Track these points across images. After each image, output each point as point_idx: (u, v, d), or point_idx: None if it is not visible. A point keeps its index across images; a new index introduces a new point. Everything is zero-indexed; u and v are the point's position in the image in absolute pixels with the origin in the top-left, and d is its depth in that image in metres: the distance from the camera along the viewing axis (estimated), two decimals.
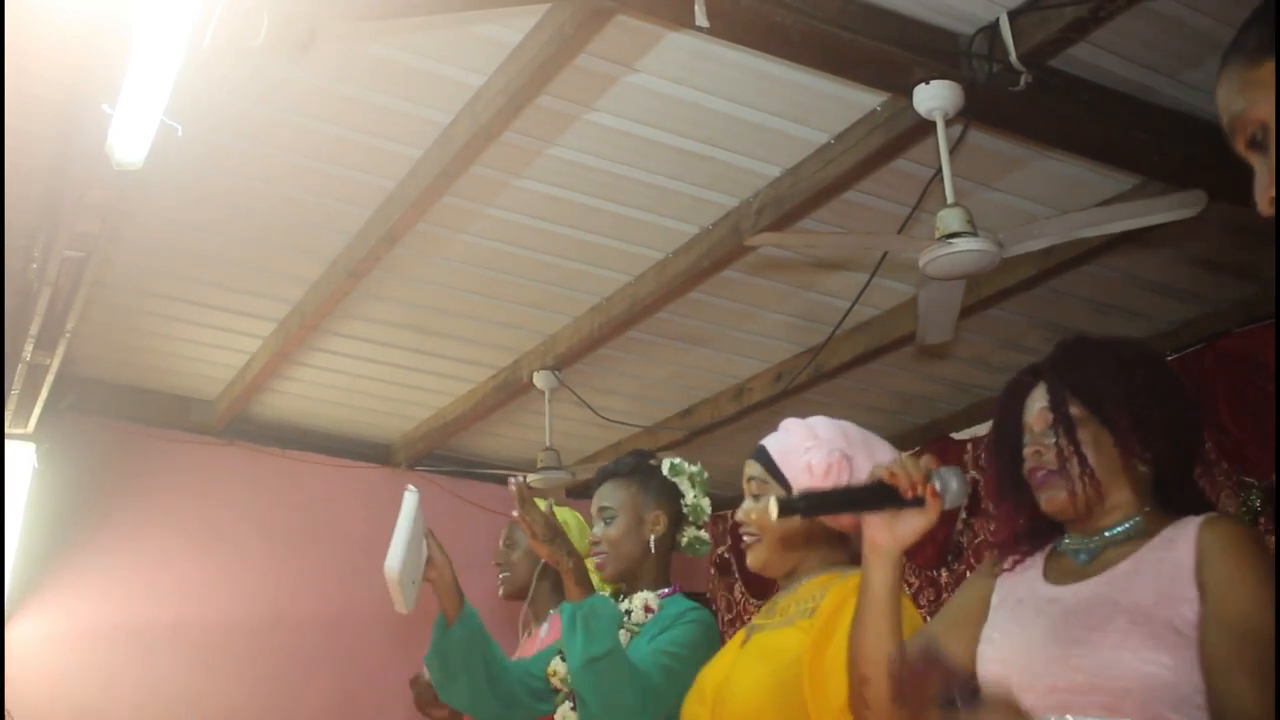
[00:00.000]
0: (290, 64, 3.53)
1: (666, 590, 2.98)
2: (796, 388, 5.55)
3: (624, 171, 4.12)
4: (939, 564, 5.96)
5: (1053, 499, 1.94)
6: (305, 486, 6.41)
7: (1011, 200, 4.23)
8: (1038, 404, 2.01)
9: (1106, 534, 1.93)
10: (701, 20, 2.99)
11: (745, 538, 2.45)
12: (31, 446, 5.18)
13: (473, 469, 6.68)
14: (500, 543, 3.84)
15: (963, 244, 3.31)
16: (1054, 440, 1.94)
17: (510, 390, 5.73)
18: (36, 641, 5.53)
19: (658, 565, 3.03)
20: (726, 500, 7.30)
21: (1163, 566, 1.80)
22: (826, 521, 2.34)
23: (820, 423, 2.44)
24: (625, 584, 3.05)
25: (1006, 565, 2.04)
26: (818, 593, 2.27)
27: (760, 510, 2.40)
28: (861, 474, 2.28)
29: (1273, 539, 4.58)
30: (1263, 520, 4.60)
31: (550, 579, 3.68)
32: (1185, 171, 3.71)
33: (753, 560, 2.44)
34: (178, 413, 6.08)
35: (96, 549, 5.75)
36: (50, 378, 4.72)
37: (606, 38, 3.39)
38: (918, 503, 1.82)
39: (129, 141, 3.04)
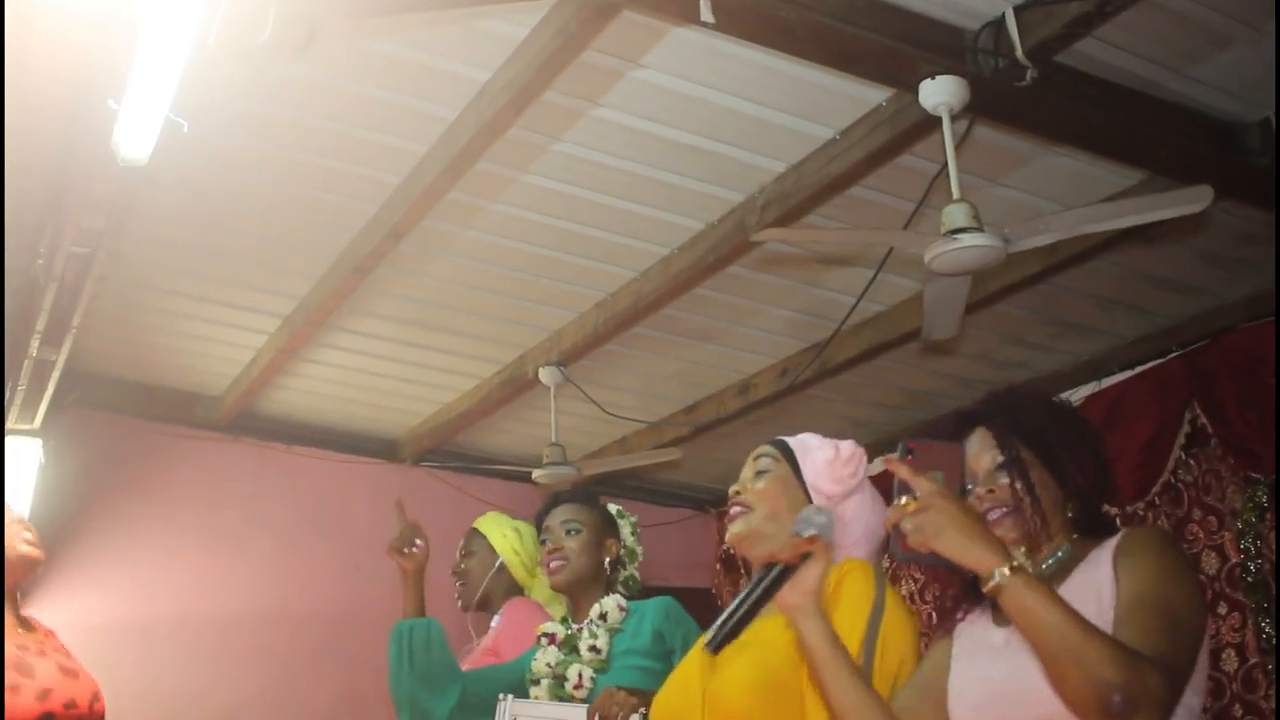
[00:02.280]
0: (294, 60, 3.53)
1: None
2: (802, 384, 5.54)
3: (629, 167, 4.12)
4: (964, 581, 5.94)
5: (1007, 538, 2.00)
6: (311, 482, 6.41)
7: (1017, 195, 4.22)
8: (979, 447, 2.08)
9: (1043, 567, 2.01)
10: (707, 16, 2.99)
11: (734, 508, 2.46)
12: (38, 442, 5.18)
13: (479, 465, 6.68)
14: (458, 552, 4.12)
15: (968, 239, 3.30)
16: (1007, 481, 2.03)
17: (516, 386, 5.73)
18: None
19: (602, 588, 3.25)
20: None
21: (1090, 585, 1.89)
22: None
23: (843, 443, 2.54)
24: (570, 597, 3.27)
25: (959, 617, 2.10)
26: None
27: (756, 487, 2.45)
28: (867, 494, 2.37)
29: (1273, 535, 4.57)
30: (1269, 516, 4.59)
31: (504, 583, 3.96)
32: (1191, 166, 3.71)
33: (734, 532, 2.48)
34: (184, 408, 6.08)
35: (102, 544, 5.75)
36: (56, 373, 4.72)
37: (612, 33, 3.39)
38: (803, 558, 1.93)
39: (134, 138, 3.04)
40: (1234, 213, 4.19)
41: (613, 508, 3.41)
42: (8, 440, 5.11)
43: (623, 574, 3.32)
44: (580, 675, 3.03)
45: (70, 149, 3.73)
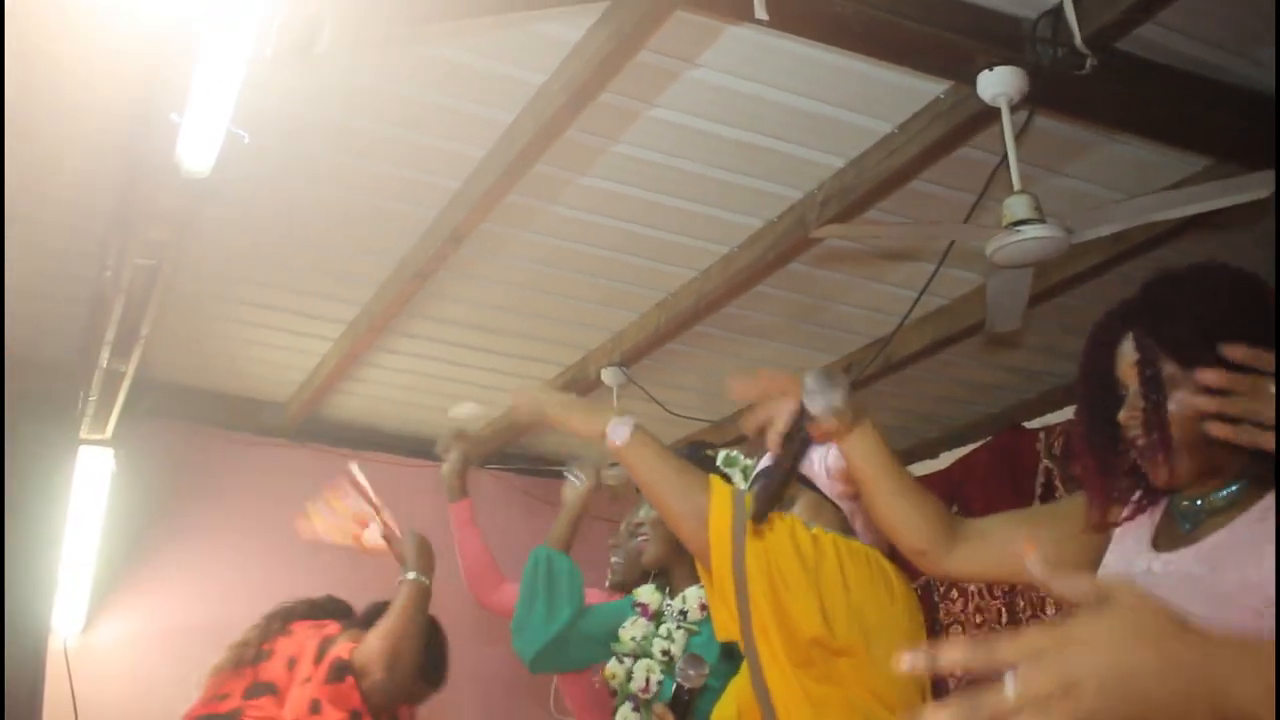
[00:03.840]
0: (353, 68, 3.56)
1: None
2: (865, 379, 5.52)
3: (687, 166, 4.11)
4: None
5: (1157, 474, 1.81)
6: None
7: (1079, 185, 4.18)
8: (1128, 358, 1.86)
9: (1212, 498, 1.80)
10: (761, 13, 2.98)
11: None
12: (109, 451, 5.26)
13: (543, 466, 6.70)
14: (623, 526, 3.69)
15: (1030, 231, 3.27)
16: (1144, 405, 1.80)
17: (579, 387, 5.74)
18: (116, 643, 5.62)
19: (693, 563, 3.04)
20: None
21: (1254, 541, 1.70)
22: (829, 494, 2.37)
23: None
24: (662, 575, 3.07)
25: (1121, 520, 1.93)
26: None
27: None
28: None
29: None
30: None
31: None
32: (1258, 151, 3.65)
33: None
34: (250, 415, 6.15)
35: (173, 551, 5.83)
36: (126, 383, 4.79)
37: (667, 34, 3.39)
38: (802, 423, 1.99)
39: (197, 150, 3.09)
40: None
41: (722, 454, 3.19)
42: (82, 450, 5.19)
43: None
44: (649, 680, 2.97)
45: (135, 163, 3.78)
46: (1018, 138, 3.43)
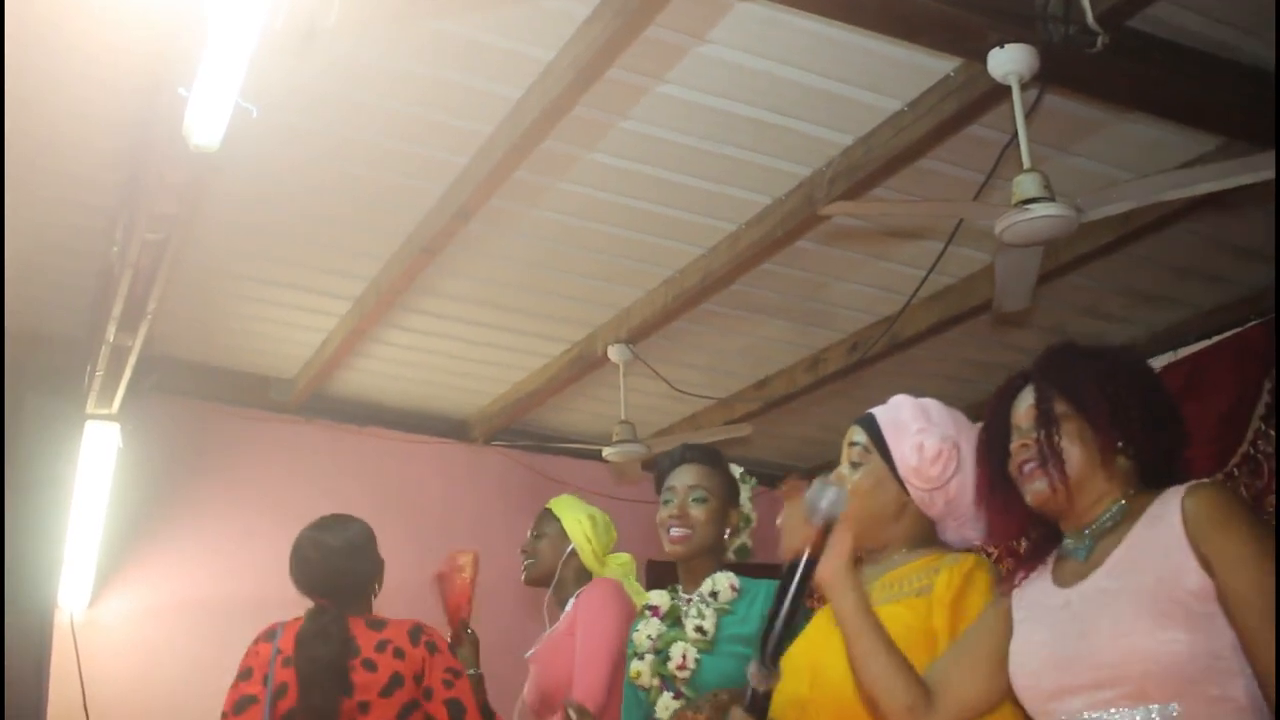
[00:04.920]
0: (361, 43, 3.55)
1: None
2: (872, 358, 5.51)
3: (695, 143, 4.10)
4: (1019, 535, 5.88)
5: (1036, 492, 2.00)
6: (383, 462, 6.47)
7: (1089, 164, 4.16)
8: (1025, 403, 2.08)
9: (1096, 523, 1.98)
10: None
11: None
12: (115, 426, 5.26)
13: (549, 443, 6.71)
14: (529, 532, 3.94)
15: (1040, 210, 3.26)
16: (1038, 435, 2.01)
17: (585, 364, 5.74)
18: (122, 618, 5.64)
19: (717, 558, 3.11)
20: (802, 471, 7.29)
21: (1154, 543, 1.86)
22: (911, 495, 2.35)
23: (933, 406, 2.47)
24: (686, 567, 3.11)
25: (1017, 581, 2.09)
26: (925, 572, 2.26)
27: (854, 479, 2.41)
28: (966, 466, 2.31)
29: None
30: None
31: (573, 567, 3.78)
32: (1270, 131, 3.63)
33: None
34: (258, 391, 6.15)
35: (180, 526, 5.84)
36: (133, 358, 4.79)
37: (675, 9, 3.38)
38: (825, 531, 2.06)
39: (205, 124, 3.07)
40: None
41: (735, 470, 3.24)
42: (88, 425, 5.19)
43: (736, 541, 3.18)
44: (684, 655, 2.94)
45: (143, 137, 3.77)
46: (1028, 116, 3.42)
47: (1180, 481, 1.95)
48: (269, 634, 3.55)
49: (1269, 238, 4.62)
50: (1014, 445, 2.05)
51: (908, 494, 2.36)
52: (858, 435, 2.45)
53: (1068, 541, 2.02)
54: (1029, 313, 4.74)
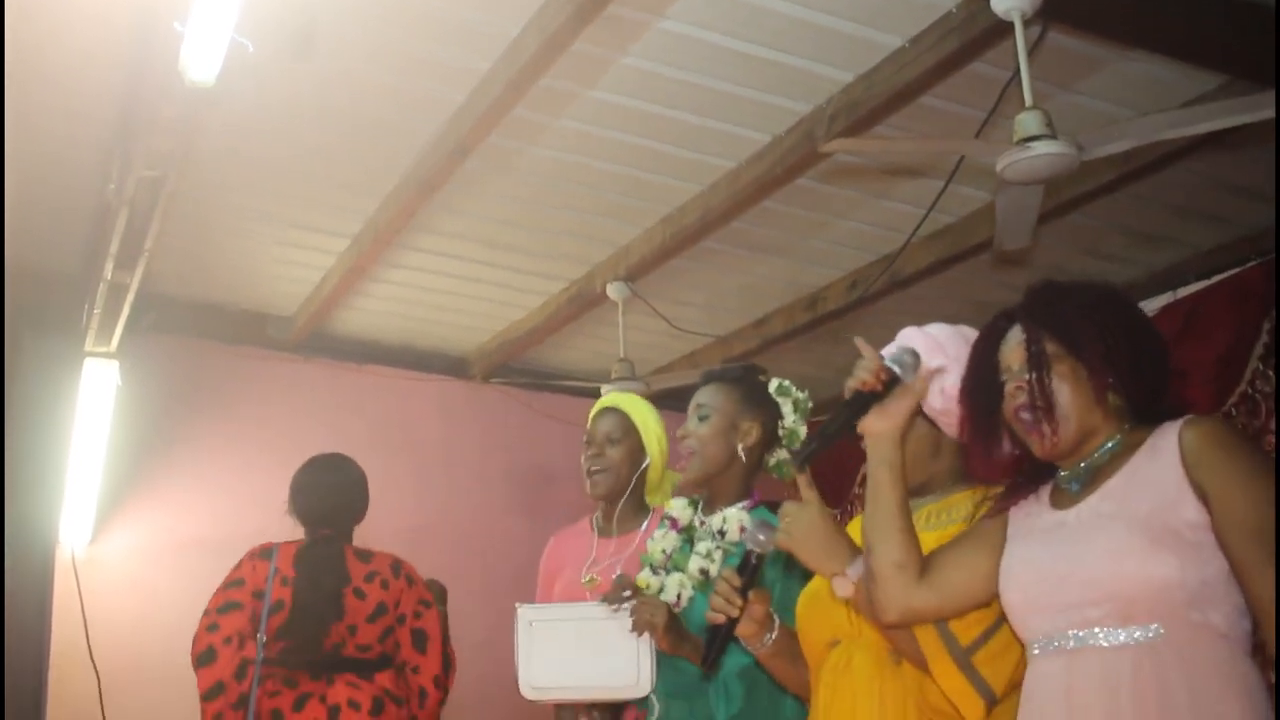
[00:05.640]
0: None
1: (748, 502, 2.93)
2: (871, 296, 5.51)
3: (695, 80, 4.08)
4: (1004, 476, 5.88)
5: (1037, 442, 2.00)
6: (382, 400, 6.48)
7: (1091, 103, 4.14)
8: (1014, 343, 2.06)
9: (1092, 458, 1.99)
10: None
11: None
12: (114, 364, 5.25)
13: (547, 381, 6.71)
14: (596, 437, 3.52)
15: (1041, 147, 3.25)
16: (1029, 377, 2.00)
17: (584, 302, 5.74)
18: (124, 554, 5.67)
19: (741, 477, 2.97)
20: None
21: (1151, 473, 1.89)
22: (945, 431, 2.34)
23: (943, 332, 2.38)
24: (706, 489, 3.00)
25: (1015, 500, 2.09)
26: (969, 503, 2.27)
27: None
28: None
29: None
30: None
31: (638, 493, 3.54)
32: (1271, 69, 3.60)
33: None
34: (256, 329, 6.15)
35: (179, 464, 5.86)
36: (131, 296, 4.78)
37: None
38: (890, 389, 2.10)
39: (201, 60, 3.05)
40: None
41: (775, 383, 3.06)
42: (87, 363, 5.19)
43: (771, 460, 3.03)
44: (680, 595, 2.95)
45: (138, 73, 3.75)
46: (1030, 53, 3.40)
47: (1171, 416, 1.95)
48: (265, 552, 3.94)
49: (1270, 178, 4.60)
50: (1009, 388, 2.04)
51: (939, 429, 2.35)
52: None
53: (1062, 475, 2.04)
54: (1029, 251, 4.74)
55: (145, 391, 5.59)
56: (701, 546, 2.96)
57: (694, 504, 3.07)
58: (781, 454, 3.04)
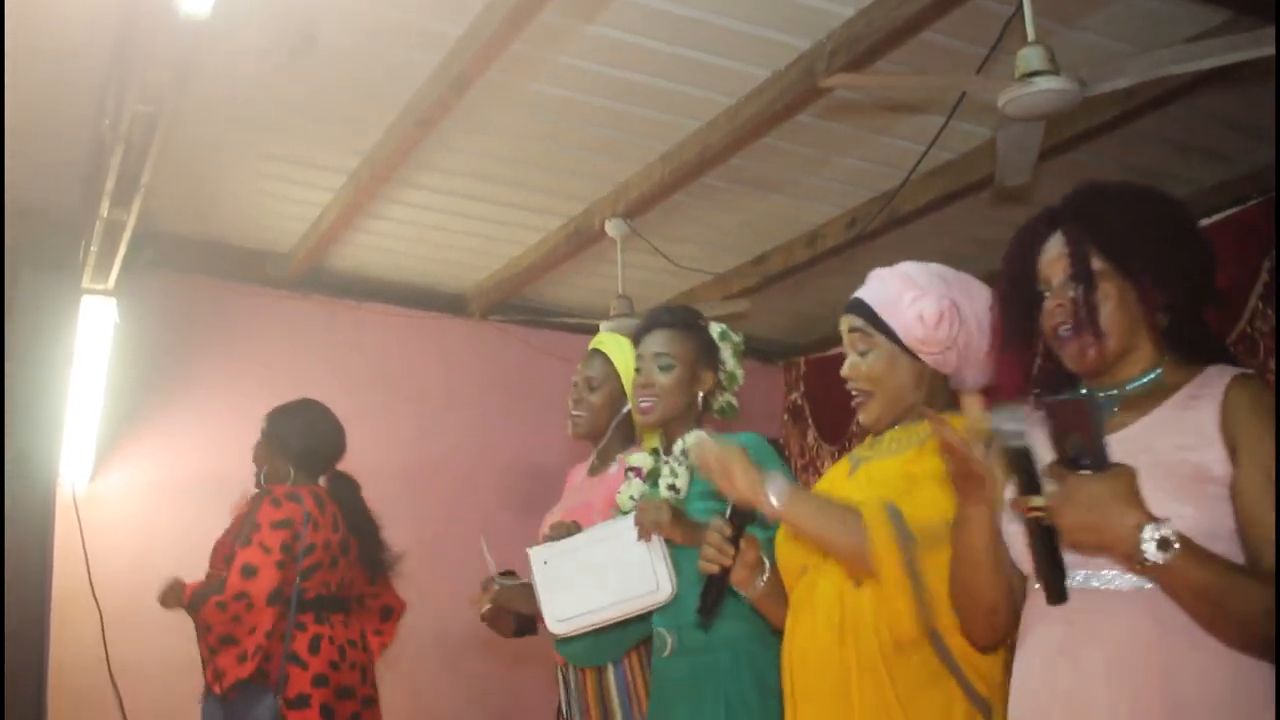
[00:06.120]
0: None
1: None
2: (870, 234, 5.50)
3: (694, 14, 4.04)
4: (1026, 389, 5.89)
5: (1073, 358, 1.92)
6: (381, 337, 6.48)
7: (1094, 39, 4.11)
8: (1055, 253, 1.95)
9: (1129, 387, 1.92)
10: None
11: (856, 395, 2.45)
12: (112, 302, 5.24)
13: (546, 318, 6.71)
14: (579, 379, 3.66)
15: (1043, 83, 3.24)
16: (1074, 294, 1.91)
17: (582, 239, 5.72)
18: (124, 491, 5.69)
19: (695, 418, 3.16)
20: (800, 346, 7.33)
21: (1184, 423, 1.82)
22: (926, 361, 2.36)
23: (915, 270, 2.44)
24: (664, 431, 3.18)
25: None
26: (926, 427, 2.29)
27: (864, 369, 2.42)
28: (967, 316, 2.32)
29: None
30: None
31: (623, 430, 3.64)
32: (1275, 4, 3.58)
33: (866, 417, 2.47)
34: (254, 266, 6.14)
35: (178, 402, 5.87)
36: (127, 233, 4.76)
37: None
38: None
39: None
40: None
41: (716, 328, 3.22)
42: (84, 301, 5.18)
43: (719, 401, 3.20)
44: (675, 488, 3.04)
45: (132, 4, 3.71)
46: None
47: (1208, 340, 1.89)
48: (292, 495, 4.21)
49: (1272, 115, 4.58)
50: (1049, 304, 1.94)
51: (920, 360, 2.38)
52: (855, 322, 2.45)
53: (1085, 393, 1.95)
54: (1030, 188, 4.71)
55: (143, 329, 5.59)
56: (666, 470, 3.04)
57: (655, 454, 3.17)
58: (727, 397, 3.21)
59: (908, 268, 2.44)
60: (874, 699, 2.19)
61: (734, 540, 2.36)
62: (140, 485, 5.71)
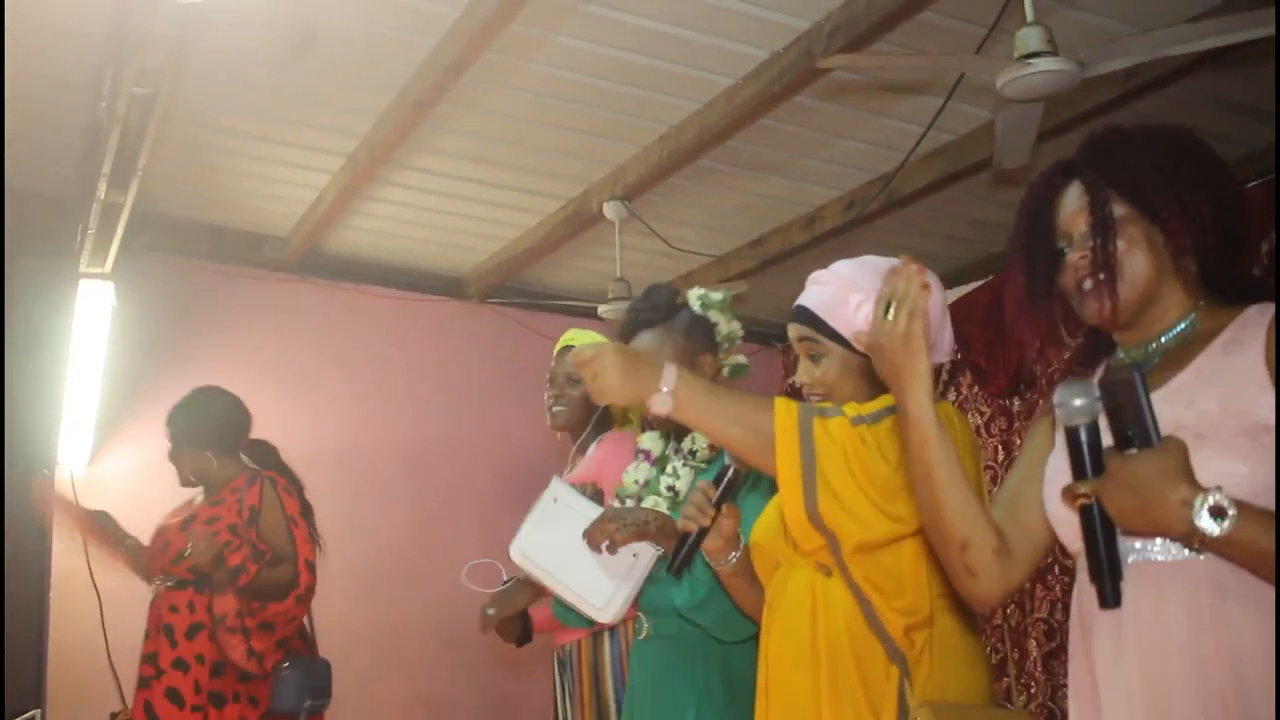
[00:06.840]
0: None
1: None
2: (869, 216, 5.49)
3: None
4: (1012, 393, 5.92)
5: (1094, 313, 1.81)
6: (378, 320, 6.47)
7: (1093, 19, 4.10)
8: (1074, 203, 1.84)
9: (1163, 339, 1.81)
10: None
11: (813, 398, 2.45)
12: (110, 285, 5.24)
13: (544, 300, 6.71)
14: (558, 374, 3.75)
15: (1042, 64, 3.23)
16: (1094, 244, 1.79)
17: (580, 221, 5.71)
18: (121, 475, 5.68)
19: None
20: None
21: (1228, 370, 1.70)
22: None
23: (852, 269, 2.44)
24: (666, 422, 3.08)
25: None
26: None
27: (818, 374, 2.43)
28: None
29: None
30: None
31: (603, 422, 3.70)
32: None
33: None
34: (252, 249, 6.13)
35: (176, 385, 5.81)
36: (125, 217, 4.76)
37: None
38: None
39: None
40: None
41: (695, 297, 3.13)
42: (81, 284, 5.18)
43: (725, 370, 3.09)
44: (675, 489, 3.02)
45: None
46: None
47: (1249, 281, 1.78)
48: (288, 488, 4.36)
49: (1271, 96, 4.57)
50: (1071, 258, 1.82)
51: (865, 358, 2.36)
52: (803, 330, 2.44)
53: (1123, 355, 1.86)
54: (1028, 170, 4.70)
55: (141, 312, 5.58)
56: (670, 466, 3.01)
57: (665, 436, 3.12)
58: (734, 359, 3.12)
59: (844, 268, 2.43)
60: (842, 682, 2.19)
61: (717, 504, 2.42)
62: (138, 468, 5.69)
